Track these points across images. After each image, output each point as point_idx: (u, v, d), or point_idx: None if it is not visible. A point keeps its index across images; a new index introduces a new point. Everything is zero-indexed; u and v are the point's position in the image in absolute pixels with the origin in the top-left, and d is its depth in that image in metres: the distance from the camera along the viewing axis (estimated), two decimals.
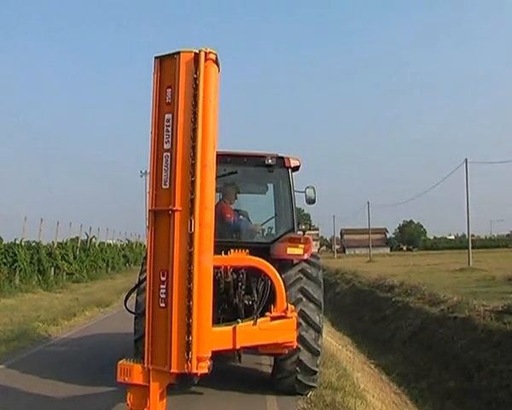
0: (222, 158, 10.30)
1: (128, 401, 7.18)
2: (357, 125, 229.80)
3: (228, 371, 10.95)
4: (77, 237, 44.32)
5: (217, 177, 10.45)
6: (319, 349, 9.52)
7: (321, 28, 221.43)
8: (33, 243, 34.53)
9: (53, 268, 35.39)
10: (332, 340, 17.90)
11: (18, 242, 32.23)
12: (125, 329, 9.59)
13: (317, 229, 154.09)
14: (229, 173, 10.45)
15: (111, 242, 55.93)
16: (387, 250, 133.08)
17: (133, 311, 9.27)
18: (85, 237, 45.96)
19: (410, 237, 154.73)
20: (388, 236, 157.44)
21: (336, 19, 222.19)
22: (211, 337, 7.14)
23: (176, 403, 9.01)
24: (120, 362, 7.24)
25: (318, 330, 9.51)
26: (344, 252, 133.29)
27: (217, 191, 11.08)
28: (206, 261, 6.97)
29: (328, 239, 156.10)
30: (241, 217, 11.19)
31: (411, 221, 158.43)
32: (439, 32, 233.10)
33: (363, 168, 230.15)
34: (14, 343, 13.94)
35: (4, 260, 29.44)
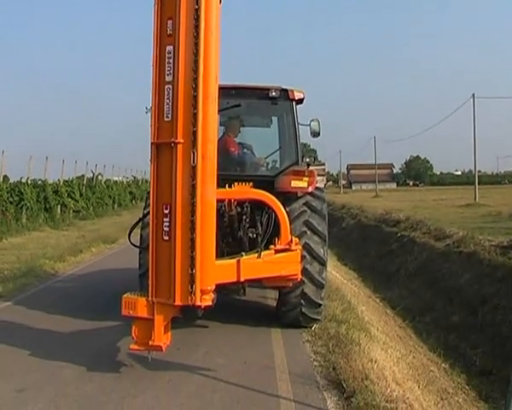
0: (225, 91, 10.20)
1: (133, 335, 7.22)
2: (364, 58, 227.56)
3: (233, 304, 11.01)
4: (83, 175, 44.27)
5: (220, 110, 10.42)
6: (323, 282, 9.55)
7: None
8: (39, 182, 34.51)
9: (59, 206, 35.43)
10: (337, 274, 17.98)
11: (24, 180, 32.23)
12: (130, 264, 9.63)
13: (324, 164, 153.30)
14: (232, 106, 10.33)
15: (117, 179, 55.93)
16: (394, 185, 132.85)
17: (137, 245, 9.29)
18: (91, 175, 45.97)
19: (416, 173, 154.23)
20: (395, 171, 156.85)
21: None
22: (214, 270, 7.14)
23: (181, 336, 9.10)
24: (125, 296, 7.26)
25: (323, 263, 9.53)
26: (350, 187, 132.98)
27: (220, 125, 11.03)
28: (209, 194, 6.93)
29: (334, 174, 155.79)
30: (245, 150, 11.13)
31: (418, 157, 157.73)
32: None
33: (369, 103, 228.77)
34: (21, 280, 14.00)
35: (11, 199, 29.39)
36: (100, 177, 47.86)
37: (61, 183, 37.64)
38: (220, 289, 8.17)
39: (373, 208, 37.21)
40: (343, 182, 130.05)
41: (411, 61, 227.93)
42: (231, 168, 10.55)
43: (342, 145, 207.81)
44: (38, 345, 8.86)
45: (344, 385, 7.02)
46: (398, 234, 25.57)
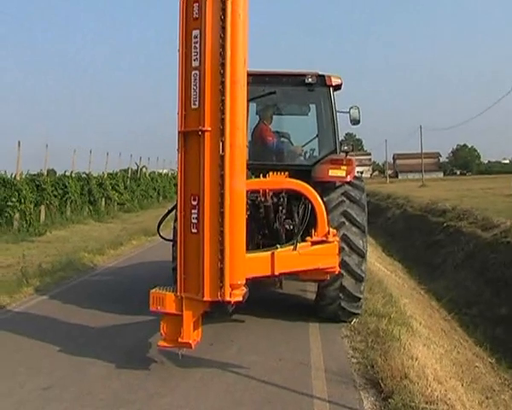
0: (259, 78, 9.94)
1: (161, 331, 7.00)
2: (410, 45, 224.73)
3: (270, 297, 10.75)
4: (128, 168, 44.39)
5: (255, 97, 10.20)
6: (363, 275, 9.19)
7: None
8: (83, 175, 34.67)
9: (104, 199, 35.55)
10: (381, 265, 17.58)
11: (68, 174, 32.40)
12: (169, 257, 9.39)
13: (370, 154, 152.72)
14: (267, 94, 10.06)
15: (162, 171, 56.04)
16: (440, 175, 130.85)
17: (168, 238, 9.05)
18: (136, 168, 46.09)
19: (463, 162, 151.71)
20: (441, 160, 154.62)
21: None
22: (245, 264, 6.81)
23: (216, 331, 8.91)
24: (153, 290, 7.02)
25: (362, 255, 9.17)
26: (397, 177, 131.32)
27: (256, 113, 10.75)
28: (238, 185, 6.60)
29: (380, 164, 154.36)
30: (281, 139, 10.83)
31: (465, 145, 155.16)
32: None
33: (416, 91, 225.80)
34: (59, 274, 13.91)
35: (55, 193, 29.51)
36: (144, 169, 47.98)
37: (106, 176, 37.77)
38: (254, 282, 7.90)
39: (419, 198, 36.52)
40: (389, 172, 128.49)
41: (456, 51, 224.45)
42: (267, 157, 10.29)
43: (388, 135, 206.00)
44: (69, 340, 8.72)
45: (382, 385, 6.68)
46: (445, 224, 25.05)
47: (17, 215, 24.01)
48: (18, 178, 25.16)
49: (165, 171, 57.37)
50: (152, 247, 19.83)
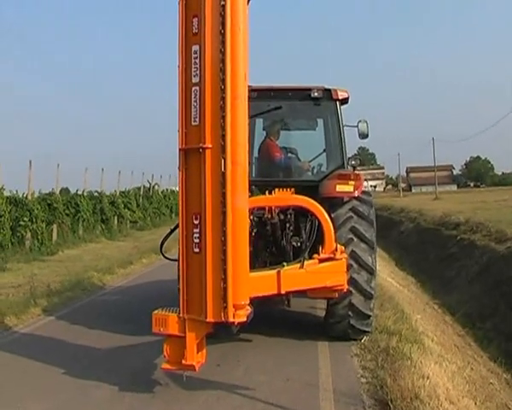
0: (265, 93, 9.86)
1: (165, 353, 6.83)
2: (421, 57, 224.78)
3: (279, 315, 10.60)
4: (141, 187, 44.41)
5: (260, 113, 10.09)
6: (372, 292, 9.01)
7: None
8: (95, 193, 34.70)
9: (116, 217, 35.58)
10: (393, 281, 17.39)
11: (80, 192, 32.44)
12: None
13: (383, 167, 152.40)
14: (272, 109, 9.94)
15: (174, 188, 56.04)
16: (454, 187, 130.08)
17: (173, 257, 8.94)
18: (148, 185, 46.13)
19: (477, 174, 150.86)
20: (455, 173, 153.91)
21: None
22: (249, 283, 6.66)
23: (223, 351, 8.78)
24: (155, 312, 6.87)
25: (371, 272, 8.99)
26: (410, 190, 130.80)
27: (263, 129, 10.64)
28: (241, 203, 6.45)
29: (394, 178, 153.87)
30: (289, 154, 10.70)
31: (478, 157, 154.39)
32: None
33: (427, 104, 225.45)
34: (67, 294, 13.82)
35: (67, 212, 29.56)
36: (157, 187, 48.04)
37: (118, 194, 37.79)
38: (261, 300, 7.76)
39: (432, 211, 36.23)
40: (403, 185, 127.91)
41: (467, 63, 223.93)
42: (273, 174, 10.18)
43: (401, 148, 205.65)
44: (75, 362, 8.62)
45: (391, 406, 6.48)
46: (458, 237, 24.79)
47: (29, 235, 24.04)
48: (29, 197, 25.24)
49: (177, 188, 57.33)
50: (162, 265, 19.55)
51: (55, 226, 26.99)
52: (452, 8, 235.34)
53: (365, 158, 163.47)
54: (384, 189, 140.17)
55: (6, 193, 24.15)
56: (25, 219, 24.02)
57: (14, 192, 25.08)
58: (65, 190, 33.95)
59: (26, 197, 25.08)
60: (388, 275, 17.84)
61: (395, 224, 38.11)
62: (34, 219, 24.52)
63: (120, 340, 9.77)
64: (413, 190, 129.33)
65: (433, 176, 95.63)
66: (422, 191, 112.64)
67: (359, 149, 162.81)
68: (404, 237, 34.20)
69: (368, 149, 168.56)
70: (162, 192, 49.10)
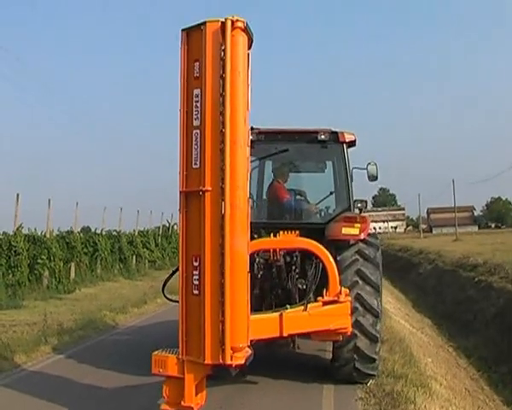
0: (272, 136, 9.96)
1: (164, 394, 6.84)
2: (438, 101, 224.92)
3: (286, 358, 10.55)
4: (161, 226, 44.64)
5: (268, 155, 10.20)
6: (378, 335, 8.97)
7: None
8: (114, 232, 34.93)
9: (134, 256, 35.75)
10: (406, 323, 17.25)
11: (98, 231, 32.70)
12: None
13: (403, 208, 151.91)
14: (280, 151, 10.02)
15: None
16: (475, 228, 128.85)
17: (174, 299, 8.96)
18: (167, 225, 46.37)
19: (498, 215, 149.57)
20: (476, 214, 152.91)
21: None
22: (247, 326, 6.65)
23: (227, 394, 8.74)
24: (155, 353, 6.90)
25: (376, 315, 8.95)
26: (431, 231, 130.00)
27: (271, 171, 10.73)
28: (240, 245, 6.48)
29: (414, 219, 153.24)
30: (297, 197, 10.73)
31: (499, 198, 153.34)
32: None
33: (447, 145, 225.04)
34: (78, 333, 13.90)
35: (85, 250, 29.84)
36: (175, 227, 48.21)
37: (136, 233, 38.00)
38: (266, 342, 7.77)
39: (451, 253, 35.96)
40: (423, 226, 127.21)
41: (486, 105, 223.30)
42: (280, 216, 10.22)
43: (422, 188, 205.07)
44: (81, 401, 8.69)
45: None
46: (476, 279, 24.54)
47: (46, 273, 24.21)
48: (48, 235, 25.50)
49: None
50: (176, 305, 19.66)
51: (73, 265, 27.19)
52: (462, 57, 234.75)
53: (386, 199, 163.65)
54: (405, 230, 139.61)
55: (25, 231, 24.43)
56: (43, 257, 24.27)
57: (33, 230, 25.38)
58: (85, 229, 34.30)
59: (45, 235, 25.35)
60: (402, 317, 17.73)
61: (414, 265, 37.93)
62: (52, 258, 24.74)
63: (127, 380, 9.78)
64: (434, 232, 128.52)
65: (453, 217, 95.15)
66: (443, 232, 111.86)
67: (380, 189, 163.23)
68: (422, 278, 33.96)
69: (388, 190, 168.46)
70: None
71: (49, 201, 25.52)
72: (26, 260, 23.17)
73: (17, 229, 23.49)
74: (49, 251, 24.74)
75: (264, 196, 10.69)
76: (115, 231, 35.15)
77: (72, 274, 26.86)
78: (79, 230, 31.72)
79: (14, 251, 22.72)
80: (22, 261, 22.84)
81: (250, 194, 9.62)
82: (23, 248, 23.16)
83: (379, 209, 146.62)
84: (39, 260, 24.11)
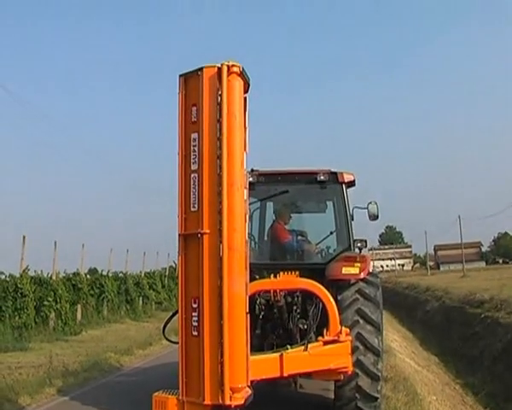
0: (272, 177, 10.09)
1: None
2: (441, 137, 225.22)
3: (291, 397, 10.55)
4: (167, 267, 44.66)
5: (268, 197, 10.32)
6: (379, 374, 8.98)
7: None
8: (120, 274, 34.99)
9: (141, 298, 35.76)
10: (411, 361, 17.21)
11: (105, 273, 32.76)
12: None
13: (410, 246, 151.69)
14: (280, 193, 10.14)
15: None
16: (483, 264, 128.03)
17: (174, 340, 9.01)
18: (174, 265, 46.39)
19: (505, 250, 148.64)
20: (483, 249, 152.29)
21: None
22: (246, 366, 6.72)
23: None
24: (155, 394, 6.99)
25: (377, 354, 8.97)
26: (438, 268, 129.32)
27: (273, 212, 10.84)
28: (238, 287, 6.57)
29: (421, 256, 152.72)
30: (298, 237, 10.81)
31: (506, 233, 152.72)
32: None
33: (453, 182, 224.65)
34: (83, 375, 13.93)
35: (92, 292, 29.89)
36: None
37: (143, 275, 38.04)
38: (268, 382, 7.81)
39: (458, 289, 35.81)
40: (431, 263, 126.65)
41: (489, 138, 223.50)
42: (280, 257, 10.31)
43: (428, 225, 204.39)
44: None
45: None
46: (482, 315, 24.41)
47: (53, 315, 24.24)
48: (54, 277, 25.56)
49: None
50: None
51: (79, 307, 27.24)
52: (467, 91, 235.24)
53: (392, 237, 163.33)
54: (412, 267, 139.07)
55: (31, 273, 24.51)
56: (49, 299, 24.32)
57: (39, 272, 25.46)
58: (92, 271, 34.37)
59: (51, 277, 25.42)
60: (408, 355, 17.70)
61: (421, 303, 37.75)
62: (58, 299, 24.78)
63: None
64: (441, 268, 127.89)
65: (460, 253, 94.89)
66: (451, 269, 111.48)
67: (387, 227, 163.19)
68: (429, 316, 33.78)
69: (395, 228, 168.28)
70: None
71: (55, 243, 25.67)
72: (32, 303, 23.24)
73: (23, 271, 23.60)
74: (56, 293, 24.80)
75: (266, 237, 10.79)
76: (121, 272, 35.23)
77: (79, 316, 26.89)
78: (86, 271, 31.83)
79: (21, 293, 22.81)
80: (28, 303, 22.91)
81: (251, 235, 9.80)
82: (29, 290, 23.25)
83: (386, 247, 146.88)
84: (45, 302, 24.17)
